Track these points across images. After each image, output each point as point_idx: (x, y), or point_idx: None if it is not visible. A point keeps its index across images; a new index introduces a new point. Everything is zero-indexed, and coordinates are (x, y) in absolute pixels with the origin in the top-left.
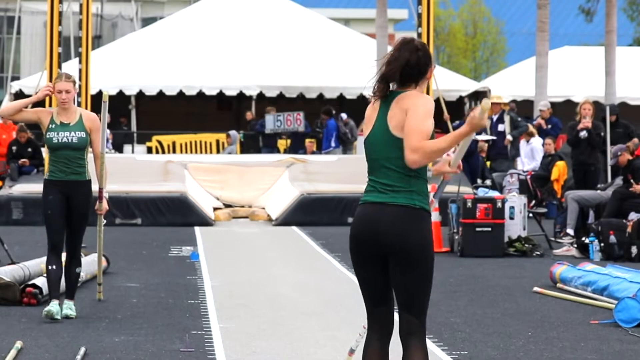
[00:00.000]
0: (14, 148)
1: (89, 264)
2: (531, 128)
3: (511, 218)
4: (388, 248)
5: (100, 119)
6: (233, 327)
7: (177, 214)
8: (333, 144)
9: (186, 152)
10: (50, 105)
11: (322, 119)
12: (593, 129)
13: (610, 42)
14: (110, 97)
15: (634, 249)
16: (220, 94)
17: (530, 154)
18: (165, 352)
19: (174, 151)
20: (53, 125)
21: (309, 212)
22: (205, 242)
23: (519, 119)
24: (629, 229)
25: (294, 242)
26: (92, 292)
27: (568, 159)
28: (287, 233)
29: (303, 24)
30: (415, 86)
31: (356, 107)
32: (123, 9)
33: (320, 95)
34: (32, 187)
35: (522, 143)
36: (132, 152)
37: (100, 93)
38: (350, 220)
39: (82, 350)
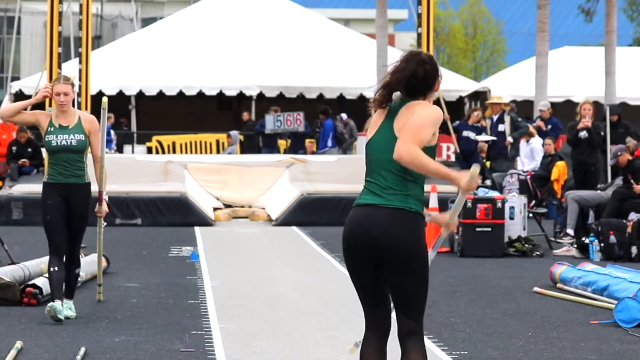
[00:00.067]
0: (14, 148)
1: (89, 264)
2: (531, 128)
3: (511, 218)
4: (382, 251)
5: (99, 124)
6: (233, 327)
7: (177, 214)
8: (330, 144)
9: (186, 152)
10: (50, 105)
11: (320, 119)
12: (593, 128)
13: (610, 42)
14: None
15: (634, 249)
16: (220, 94)
17: (530, 154)
18: (165, 352)
19: (174, 151)
20: (52, 128)
21: (309, 212)
22: (205, 242)
23: (519, 119)
24: (629, 229)
25: (294, 242)
26: (92, 292)
27: (568, 159)
28: (287, 233)
29: (303, 24)
30: (424, 99)
31: (356, 107)
32: (123, 9)
33: (320, 96)
34: (32, 187)
35: (522, 143)
36: (132, 152)
37: (100, 94)
38: None
39: (82, 350)
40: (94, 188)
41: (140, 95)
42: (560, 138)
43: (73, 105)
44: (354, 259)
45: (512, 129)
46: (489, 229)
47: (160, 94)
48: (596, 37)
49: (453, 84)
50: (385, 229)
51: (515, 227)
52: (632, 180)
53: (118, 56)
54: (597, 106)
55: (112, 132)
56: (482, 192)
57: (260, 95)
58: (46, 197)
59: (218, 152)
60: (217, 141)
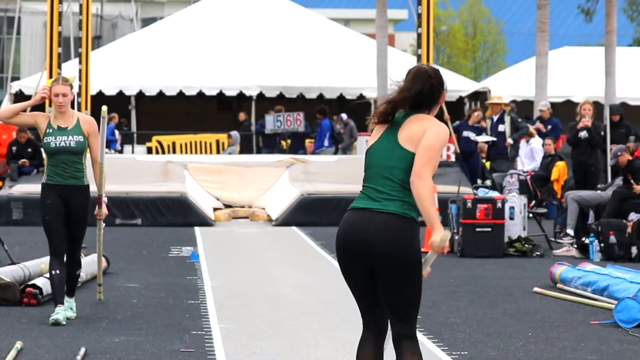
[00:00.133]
0: (14, 148)
1: (89, 264)
2: (531, 129)
3: (511, 218)
4: (376, 256)
5: (99, 131)
6: (233, 328)
7: (177, 214)
8: (327, 143)
9: (186, 152)
10: (50, 106)
11: (317, 119)
12: (593, 128)
13: (610, 42)
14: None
15: (634, 250)
16: (220, 94)
17: (530, 154)
18: (165, 352)
19: (174, 151)
20: (50, 130)
21: (309, 213)
22: (205, 243)
23: (520, 119)
24: (629, 230)
25: (294, 242)
26: (92, 292)
27: (568, 159)
28: (287, 233)
29: (303, 24)
30: (428, 112)
31: (356, 107)
32: (123, 9)
33: (321, 96)
34: (32, 188)
35: (522, 143)
36: (132, 152)
37: (100, 94)
38: None
39: (82, 350)
40: (93, 189)
41: (140, 95)
42: (561, 138)
43: (72, 107)
44: (347, 263)
45: (512, 129)
46: (489, 229)
47: (160, 94)
48: (596, 37)
49: (453, 84)
50: (380, 234)
51: (515, 228)
52: (632, 181)
53: (118, 56)
54: (597, 106)
55: (117, 132)
56: (482, 193)
57: (260, 96)
58: (45, 197)
59: (218, 152)
60: (217, 141)
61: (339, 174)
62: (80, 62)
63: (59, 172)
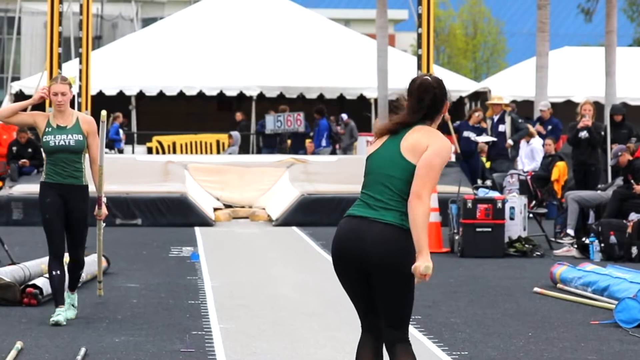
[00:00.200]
0: (14, 148)
1: (89, 264)
2: (531, 129)
3: (511, 218)
4: (371, 265)
5: (98, 135)
6: (233, 328)
7: (178, 214)
8: (324, 143)
9: (186, 152)
10: (50, 106)
11: (315, 119)
12: (594, 128)
13: (611, 42)
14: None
15: (634, 250)
16: (221, 94)
17: (531, 154)
18: (166, 352)
19: (174, 151)
20: (49, 129)
21: (309, 213)
22: (206, 243)
23: (520, 120)
24: (629, 230)
25: (294, 242)
26: (92, 292)
27: (568, 160)
28: (287, 233)
29: (303, 24)
30: (431, 122)
31: (356, 107)
32: (123, 9)
33: (321, 96)
34: (33, 188)
35: (522, 143)
36: (133, 152)
37: (100, 94)
38: None
39: (83, 350)
40: (92, 189)
41: (140, 95)
42: (561, 138)
43: (72, 106)
44: (343, 269)
45: (513, 129)
46: (489, 229)
47: (161, 94)
48: (596, 38)
49: (453, 84)
50: (376, 244)
51: (515, 228)
52: (632, 181)
53: (118, 56)
54: (598, 106)
55: (121, 131)
56: (482, 193)
57: (261, 96)
58: (44, 195)
59: (218, 152)
60: (217, 141)
61: (339, 174)
62: (80, 62)
63: (58, 171)
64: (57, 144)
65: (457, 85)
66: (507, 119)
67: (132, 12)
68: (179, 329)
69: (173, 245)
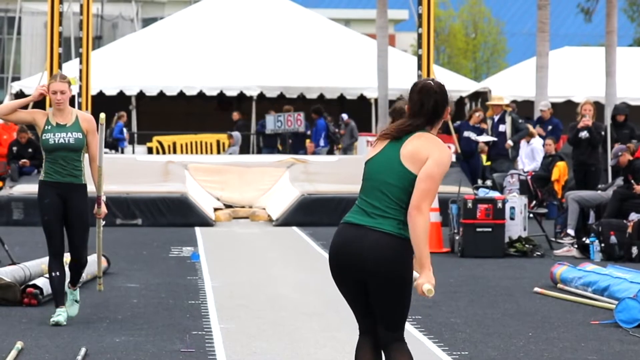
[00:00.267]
0: (14, 148)
1: (89, 264)
2: (531, 129)
3: (512, 218)
4: (368, 273)
5: (98, 138)
6: (233, 328)
7: (178, 214)
8: (322, 143)
9: (186, 152)
10: (50, 106)
11: (312, 118)
12: (594, 128)
13: (611, 42)
14: (111, 97)
15: (634, 250)
16: (221, 94)
17: (531, 154)
18: (166, 352)
19: (175, 151)
20: (49, 127)
21: (310, 213)
22: (206, 243)
23: (520, 120)
24: (629, 230)
25: (294, 242)
26: (92, 292)
27: (569, 160)
28: (287, 233)
29: (303, 24)
30: (431, 127)
31: (356, 107)
32: (123, 9)
33: (321, 96)
34: (33, 188)
35: (523, 144)
36: (133, 152)
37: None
38: None
39: (83, 350)
40: (91, 189)
41: (140, 95)
42: (561, 138)
43: (73, 105)
44: (340, 275)
45: (513, 130)
46: (490, 230)
47: (161, 94)
48: (596, 38)
49: (453, 84)
50: (373, 253)
51: (515, 228)
52: (632, 181)
53: (118, 56)
54: (598, 106)
55: (125, 130)
56: (482, 193)
57: (261, 96)
58: (42, 195)
59: (218, 152)
60: (218, 141)
61: (339, 174)
62: (80, 62)
63: (57, 169)
64: (56, 142)
65: (458, 85)
66: (508, 119)
67: (133, 12)
68: (179, 329)
69: (173, 245)
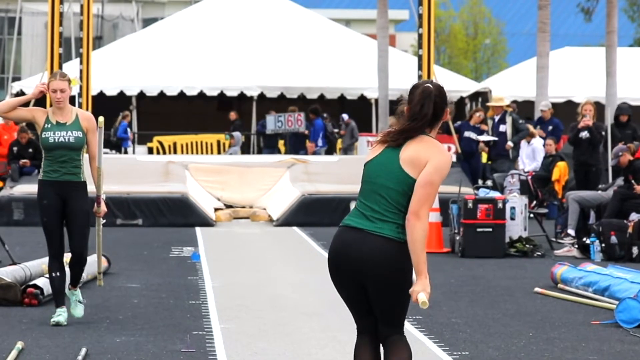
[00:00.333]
0: (15, 149)
1: (89, 264)
2: (532, 129)
3: (512, 219)
4: (367, 277)
5: (97, 141)
6: (234, 328)
7: (178, 214)
8: (320, 143)
9: (187, 152)
10: (51, 105)
11: (310, 119)
12: (594, 128)
13: (611, 42)
14: (111, 97)
15: (634, 250)
16: (221, 94)
17: (532, 154)
18: (166, 352)
19: (175, 152)
20: (49, 125)
21: (310, 213)
22: (206, 243)
23: (521, 120)
24: (629, 230)
25: (294, 242)
26: (92, 292)
27: (569, 160)
28: (288, 234)
29: (304, 24)
30: (430, 129)
31: (357, 107)
32: (124, 9)
33: (321, 96)
34: (33, 188)
35: (523, 144)
36: (133, 152)
37: (101, 94)
38: None
39: (83, 351)
40: (91, 189)
41: (141, 95)
42: (562, 139)
43: (72, 104)
44: (339, 278)
45: (513, 130)
46: (490, 230)
47: (161, 94)
48: (597, 38)
49: (454, 84)
50: (373, 257)
51: (516, 228)
52: (633, 181)
53: (119, 57)
54: (598, 107)
55: (129, 130)
56: (483, 193)
57: (261, 96)
58: (42, 196)
59: (219, 152)
60: (218, 142)
61: (339, 174)
62: (81, 63)
63: (57, 168)
64: (56, 140)
65: (458, 85)
66: (508, 119)
67: (133, 12)
68: (180, 329)
69: (174, 245)
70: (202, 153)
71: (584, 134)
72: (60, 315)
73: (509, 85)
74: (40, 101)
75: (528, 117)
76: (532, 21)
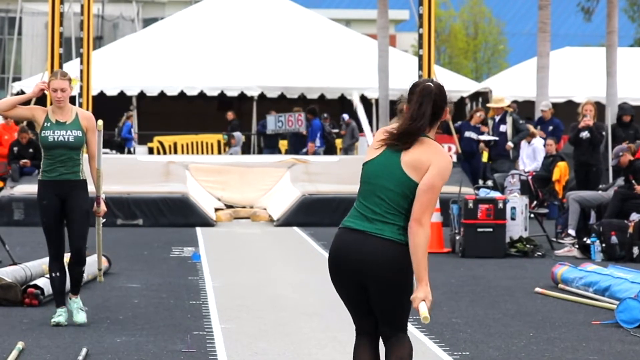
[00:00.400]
0: (15, 149)
1: (89, 265)
2: (532, 129)
3: (512, 219)
4: (368, 279)
5: (96, 143)
6: (234, 328)
7: (179, 214)
8: (318, 143)
9: (187, 152)
10: (51, 104)
11: (308, 119)
12: (595, 128)
13: (612, 42)
14: (112, 97)
15: (635, 250)
16: (222, 94)
17: (532, 154)
18: (167, 352)
19: (175, 152)
20: (48, 124)
21: (310, 213)
22: (207, 243)
23: (521, 121)
24: (630, 230)
25: (295, 242)
26: (92, 292)
27: (569, 160)
28: (288, 234)
29: (304, 24)
30: (430, 128)
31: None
32: (124, 9)
33: (322, 96)
34: (34, 188)
35: (524, 144)
36: (134, 152)
37: (101, 94)
38: None
39: (84, 351)
40: (90, 189)
41: (141, 95)
42: (562, 139)
43: (73, 104)
44: (340, 280)
45: (514, 130)
46: (491, 230)
47: (162, 94)
48: (597, 38)
49: (454, 84)
50: (374, 259)
51: (516, 228)
52: (633, 181)
53: (119, 57)
54: (599, 107)
55: (133, 130)
56: (483, 193)
57: (262, 96)
58: (41, 197)
59: (219, 152)
60: (219, 142)
61: (340, 174)
62: (81, 63)
63: (56, 167)
64: (56, 139)
65: (458, 85)
66: (509, 119)
67: (133, 12)
68: (180, 330)
69: (174, 245)
70: (202, 153)
71: (585, 134)
72: (61, 315)
73: (510, 85)
74: (41, 100)
75: (528, 117)
76: (532, 21)
